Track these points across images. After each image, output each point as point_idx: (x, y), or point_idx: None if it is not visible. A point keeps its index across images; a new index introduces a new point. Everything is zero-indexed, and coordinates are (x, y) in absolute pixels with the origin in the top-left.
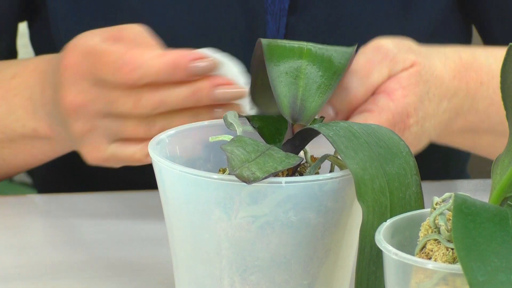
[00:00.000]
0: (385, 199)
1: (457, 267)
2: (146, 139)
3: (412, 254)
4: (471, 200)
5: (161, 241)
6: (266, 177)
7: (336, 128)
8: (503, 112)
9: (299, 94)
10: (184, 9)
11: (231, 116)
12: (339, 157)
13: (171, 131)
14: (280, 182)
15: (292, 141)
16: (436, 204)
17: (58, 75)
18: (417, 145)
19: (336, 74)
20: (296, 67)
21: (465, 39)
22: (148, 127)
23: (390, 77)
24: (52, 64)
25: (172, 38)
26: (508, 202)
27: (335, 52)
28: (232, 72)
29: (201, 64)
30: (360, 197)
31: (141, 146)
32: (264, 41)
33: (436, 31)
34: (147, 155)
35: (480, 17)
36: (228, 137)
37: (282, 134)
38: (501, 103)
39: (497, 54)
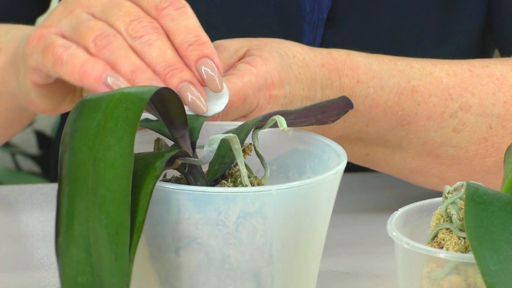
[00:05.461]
0: None
1: (469, 256)
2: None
3: (424, 243)
4: (483, 189)
5: None
6: None
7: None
8: (391, 117)
9: None
10: (219, 12)
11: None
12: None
13: None
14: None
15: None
16: (448, 193)
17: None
18: None
19: None
20: None
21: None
22: (97, 50)
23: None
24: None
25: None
26: None
27: None
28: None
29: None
30: None
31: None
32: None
33: (474, 48)
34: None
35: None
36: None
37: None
38: (386, 106)
39: (384, 58)
